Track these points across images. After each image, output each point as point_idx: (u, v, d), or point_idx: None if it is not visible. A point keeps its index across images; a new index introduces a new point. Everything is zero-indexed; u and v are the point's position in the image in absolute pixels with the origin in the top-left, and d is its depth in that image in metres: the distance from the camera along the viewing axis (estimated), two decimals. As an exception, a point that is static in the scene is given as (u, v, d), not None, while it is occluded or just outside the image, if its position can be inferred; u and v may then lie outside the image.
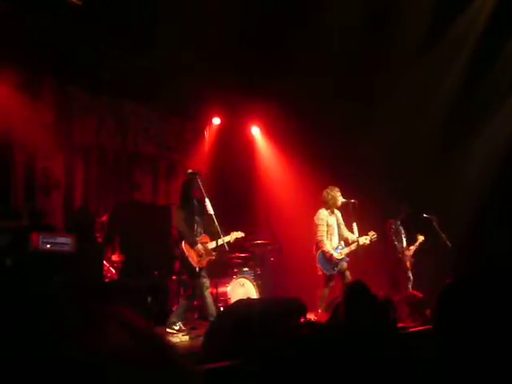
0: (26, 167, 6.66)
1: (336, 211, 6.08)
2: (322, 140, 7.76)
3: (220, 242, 5.20)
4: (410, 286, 6.45)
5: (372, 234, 6.05)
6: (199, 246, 5.03)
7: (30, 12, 5.80)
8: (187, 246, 5.02)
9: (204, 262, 5.06)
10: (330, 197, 5.98)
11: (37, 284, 5.16)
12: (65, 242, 5.54)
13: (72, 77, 6.90)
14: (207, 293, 5.03)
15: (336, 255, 5.85)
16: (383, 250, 6.90)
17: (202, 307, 5.27)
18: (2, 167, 6.35)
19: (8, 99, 6.30)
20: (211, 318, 4.78)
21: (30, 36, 6.07)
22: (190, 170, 5.32)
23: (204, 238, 5.21)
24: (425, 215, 6.77)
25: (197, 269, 5.00)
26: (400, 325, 4.99)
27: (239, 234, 5.48)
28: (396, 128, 7.13)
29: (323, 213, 5.98)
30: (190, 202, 5.14)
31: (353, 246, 5.98)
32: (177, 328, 4.85)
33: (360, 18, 6.38)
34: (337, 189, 6.04)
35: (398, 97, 7.14)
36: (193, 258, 5.00)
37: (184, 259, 5.02)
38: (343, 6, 6.27)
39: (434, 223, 6.71)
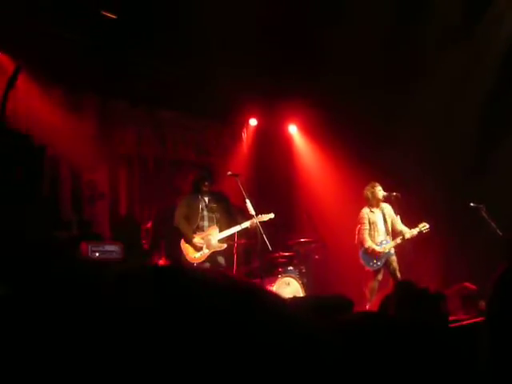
0: (73, 179, 6.90)
1: (384, 205, 6.00)
2: (361, 134, 7.65)
3: (228, 232, 5.03)
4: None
5: (422, 226, 5.90)
6: (196, 240, 4.89)
7: (66, 29, 6.01)
8: (183, 242, 4.97)
9: (204, 257, 4.89)
10: (369, 193, 5.99)
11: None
12: (113, 249, 5.71)
13: (110, 89, 7.10)
14: None
15: (378, 249, 5.82)
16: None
17: None
18: (51, 180, 6.60)
19: (53, 115, 6.55)
20: None
21: (68, 52, 6.29)
22: (229, 172, 5.34)
23: (212, 229, 5.06)
24: (472, 204, 6.55)
25: (194, 264, 4.88)
26: (452, 318, 4.86)
27: (251, 222, 5.16)
28: (438, 118, 6.95)
29: (363, 211, 6.03)
30: (195, 197, 5.07)
31: (398, 240, 5.90)
32: None
33: (393, 8, 6.28)
34: (376, 184, 5.99)
35: (437, 87, 6.95)
36: (187, 254, 4.90)
37: (181, 256, 4.96)
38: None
39: (483, 212, 6.48)
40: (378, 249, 5.83)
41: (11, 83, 3.14)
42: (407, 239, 5.93)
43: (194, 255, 4.90)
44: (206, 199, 5.12)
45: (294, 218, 7.91)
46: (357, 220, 6.10)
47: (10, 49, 5.91)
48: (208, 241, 4.95)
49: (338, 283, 7.03)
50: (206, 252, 4.93)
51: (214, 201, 5.16)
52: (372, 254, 5.85)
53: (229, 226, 5.12)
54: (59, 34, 6.00)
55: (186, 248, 4.94)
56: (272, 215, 5.21)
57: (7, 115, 3.62)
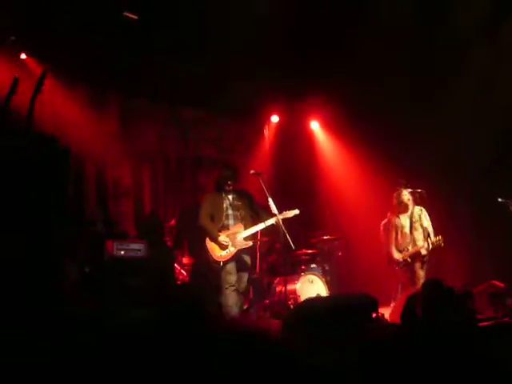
0: (97, 177, 7.01)
1: (416, 210, 5.89)
2: (384, 131, 7.55)
3: (253, 229, 4.93)
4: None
5: (437, 240, 5.73)
6: (222, 238, 4.83)
7: (91, 30, 6.09)
8: (208, 240, 4.92)
9: (230, 255, 4.83)
10: (395, 200, 5.92)
11: (114, 289, 5.41)
12: (137, 247, 5.77)
13: (133, 88, 7.16)
14: (228, 291, 4.76)
15: (396, 256, 5.82)
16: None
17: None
18: (76, 178, 6.71)
19: (77, 114, 6.66)
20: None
21: (92, 53, 6.38)
22: (252, 171, 5.29)
23: (237, 227, 4.99)
24: (500, 199, 6.41)
25: (220, 263, 4.80)
26: (480, 317, 4.78)
27: (272, 220, 5.02)
28: (462, 115, 6.82)
29: (391, 217, 5.97)
30: (219, 196, 5.02)
31: (413, 250, 5.81)
32: None
33: (418, 7, 6.19)
34: (401, 190, 5.90)
35: (461, 86, 6.81)
36: (213, 252, 4.84)
37: (207, 254, 4.91)
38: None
39: (511, 207, 6.34)
40: (395, 256, 5.84)
41: (38, 88, 3.21)
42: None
43: (219, 253, 4.87)
44: (230, 197, 5.08)
45: (317, 215, 7.88)
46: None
47: (37, 52, 6.03)
48: (233, 239, 4.91)
49: (362, 280, 6.98)
50: (231, 250, 4.89)
51: (238, 198, 5.12)
52: (392, 258, 5.87)
53: (254, 224, 5.09)
54: (82, 35, 6.08)
55: (211, 246, 4.91)
56: (297, 211, 5.14)
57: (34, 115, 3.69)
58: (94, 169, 6.98)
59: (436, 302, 3.72)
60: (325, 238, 7.25)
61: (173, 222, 7.03)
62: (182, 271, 6.68)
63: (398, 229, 5.90)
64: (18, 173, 2.97)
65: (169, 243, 6.88)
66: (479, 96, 6.84)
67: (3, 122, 3.37)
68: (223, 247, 4.84)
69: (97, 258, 5.69)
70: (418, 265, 5.78)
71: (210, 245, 4.91)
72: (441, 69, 6.90)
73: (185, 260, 6.74)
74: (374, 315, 4.20)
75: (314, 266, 6.72)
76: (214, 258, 4.84)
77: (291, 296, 5.96)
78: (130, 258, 5.67)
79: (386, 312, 4.70)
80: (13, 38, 5.87)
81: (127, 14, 5.91)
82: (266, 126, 8.79)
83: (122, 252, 5.66)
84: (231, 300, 4.76)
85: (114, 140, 7.09)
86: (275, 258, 6.76)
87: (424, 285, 3.82)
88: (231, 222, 5.02)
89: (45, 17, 5.72)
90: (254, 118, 8.51)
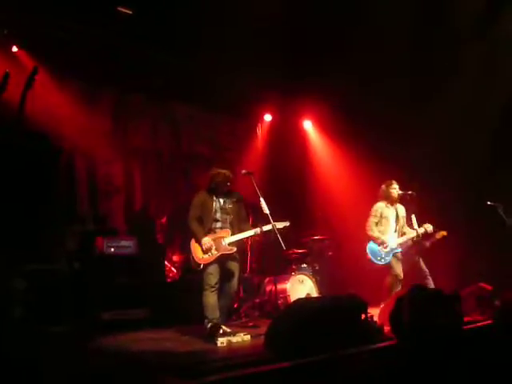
0: (88, 173, 6.95)
1: (399, 206, 5.95)
2: (377, 131, 7.56)
3: (238, 236, 4.87)
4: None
5: (427, 227, 5.80)
6: (206, 240, 4.75)
7: (85, 24, 6.04)
8: (193, 241, 4.90)
9: (212, 258, 4.76)
10: (385, 192, 5.92)
11: (103, 286, 5.40)
12: (127, 244, 5.76)
13: (126, 84, 7.12)
14: (207, 292, 4.69)
15: (383, 238, 5.78)
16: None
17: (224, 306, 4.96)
18: (67, 174, 6.65)
19: (69, 109, 6.60)
20: (206, 321, 4.63)
21: (86, 47, 6.33)
22: (243, 171, 5.23)
23: (224, 232, 4.91)
24: (489, 203, 6.48)
25: (201, 265, 4.75)
26: (467, 319, 4.82)
27: (256, 231, 4.98)
28: (455, 117, 6.84)
29: (378, 205, 5.93)
30: (210, 197, 4.93)
31: (404, 238, 5.86)
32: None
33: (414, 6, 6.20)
34: (393, 183, 5.92)
35: (457, 86, 6.83)
36: (195, 254, 4.80)
37: (190, 255, 4.89)
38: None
39: (500, 210, 6.40)
40: (383, 237, 5.79)
41: (29, 84, 3.17)
42: (414, 240, 5.89)
43: (201, 256, 4.78)
44: (221, 200, 4.99)
45: (308, 215, 7.88)
46: (369, 213, 6.03)
47: (29, 45, 5.97)
48: (218, 243, 4.82)
49: (352, 280, 7.01)
50: (214, 253, 4.80)
51: (229, 202, 5.04)
52: (379, 247, 5.80)
53: (240, 230, 5.01)
54: (76, 29, 6.03)
55: (195, 248, 4.84)
56: (287, 223, 5.03)
57: (25, 111, 3.65)
58: (85, 165, 6.93)
59: (421, 307, 3.75)
60: (315, 237, 7.28)
61: (164, 219, 7.01)
62: (173, 268, 6.68)
63: (385, 219, 5.87)
64: (7, 169, 2.94)
65: (160, 240, 6.87)
66: (475, 96, 6.86)
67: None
68: (206, 250, 4.77)
69: (87, 255, 5.67)
70: (416, 258, 5.87)
71: (194, 246, 4.83)
72: (437, 68, 6.89)
73: (175, 257, 6.74)
74: (363, 317, 4.22)
75: (304, 265, 6.74)
76: (196, 259, 4.77)
77: (281, 295, 5.97)
78: (119, 254, 5.66)
79: (375, 313, 4.72)
80: (5, 31, 5.81)
81: (121, 9, 5.86)
82: (259, 125, 8.78)
83: (112, 249, 5.65)
84: (210, 300, 4.73)
85: (106, 136, 7.04)
86: (267, 259, 6.76)
87: (409, 289, 3.85)
88: (219, 225, 4.92)
89: (37, 9, 5.66)
90: (247, 115, 8.51)
